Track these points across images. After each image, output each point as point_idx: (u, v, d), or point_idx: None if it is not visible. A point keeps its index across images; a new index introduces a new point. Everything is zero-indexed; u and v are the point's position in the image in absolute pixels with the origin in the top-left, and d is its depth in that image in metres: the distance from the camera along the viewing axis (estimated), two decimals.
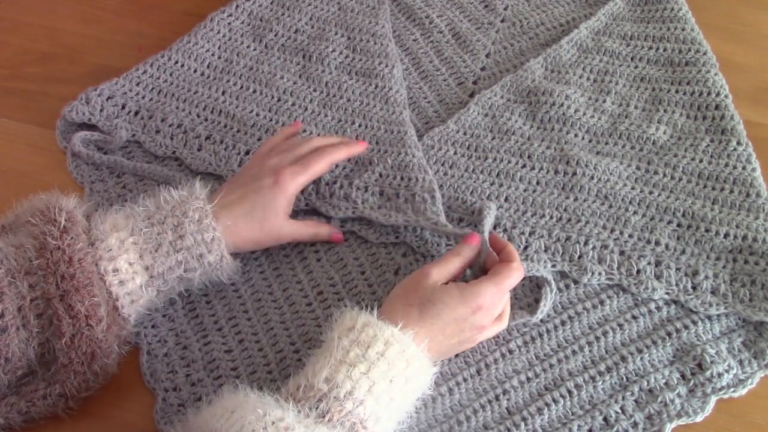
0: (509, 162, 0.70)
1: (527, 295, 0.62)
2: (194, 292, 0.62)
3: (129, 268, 0.53)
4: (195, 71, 0.78)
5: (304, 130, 0.73)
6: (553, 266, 0.63)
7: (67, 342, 0.50)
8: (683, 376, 0.57)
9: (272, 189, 0.59)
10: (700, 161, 0.69)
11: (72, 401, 0.52)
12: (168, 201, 0.55)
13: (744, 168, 0.67)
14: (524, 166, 0.70)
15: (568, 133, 0.72)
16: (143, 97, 0.75)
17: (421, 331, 0.51)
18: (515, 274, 0.55)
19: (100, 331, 0.50)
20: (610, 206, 0.66)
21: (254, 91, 0.77)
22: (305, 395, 0.46)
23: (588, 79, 0.77)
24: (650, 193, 0.67)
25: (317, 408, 0.45)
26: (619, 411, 0.55)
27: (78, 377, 0.51)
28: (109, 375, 0.54)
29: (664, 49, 0.78)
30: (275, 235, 0.60)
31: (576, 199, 0.67)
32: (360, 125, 0.74)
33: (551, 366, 0.58)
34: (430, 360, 0.51)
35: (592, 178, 0.68)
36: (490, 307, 0.53)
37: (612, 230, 0.65)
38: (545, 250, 0.64)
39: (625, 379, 0.57)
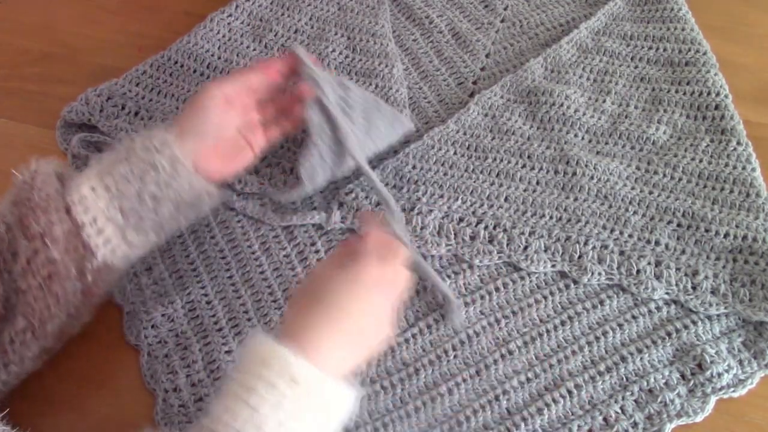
0: (509, 162, 0.70)
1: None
2: (194, 292, 0.62)
3: (92, 192, 0.53)
4: (195, 71, 0.78)
5: None
6: (553, 266, 0.63)
7: (24, 265, 0.50)
8: (683, 376, 0.57)
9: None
10: (700, 161, 0.68)
11: (38, 334, 0.51)
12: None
13: (744, 168, 0.67)
14: (524, 166, 0.70)
15: (568, 133, 0.72)
16: (143, 98, 0.75)
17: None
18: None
19: (57, 251, 0.51)
20: (610, 206, 0.66)
21: None
22: None
23: (588, 79, 0.77)
24: (650, 193, 0.67)
25: None
26: (619, 411, 0.55)
27: (38, 303, 0.51)
28: (73, 310, 0.53)
29: (664, 49, 0.78)
30: (210, 105, 0.58)
31: (576, 199, 0.67)
32: None
33: (551, 366, 0.58)
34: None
35: (592, 178, 0.68)
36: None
37: (612, 230, 0.65)
38: (545, 250, 0.64)
39: (625, 379, 0.57)
